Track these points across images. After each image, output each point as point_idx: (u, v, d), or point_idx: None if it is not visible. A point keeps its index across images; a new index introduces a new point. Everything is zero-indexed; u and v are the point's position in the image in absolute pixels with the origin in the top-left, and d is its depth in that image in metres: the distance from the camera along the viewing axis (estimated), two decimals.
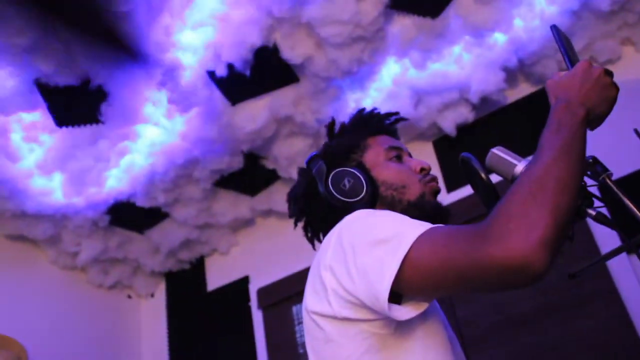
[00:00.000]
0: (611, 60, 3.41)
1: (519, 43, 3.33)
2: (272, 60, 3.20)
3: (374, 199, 1.42)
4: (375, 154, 1.50)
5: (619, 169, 2.81)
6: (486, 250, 0.98)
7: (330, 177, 1.43)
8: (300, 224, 1.57)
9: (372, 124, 1.59)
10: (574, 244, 1.34)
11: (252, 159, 3.82)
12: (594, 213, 1.26)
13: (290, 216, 1.59)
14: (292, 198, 1.59)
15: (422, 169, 1.48)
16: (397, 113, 1.66)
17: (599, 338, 2.90)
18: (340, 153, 1.51)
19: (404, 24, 3.20)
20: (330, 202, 1.42)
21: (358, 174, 1.43)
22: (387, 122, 1.62)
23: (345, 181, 1.42)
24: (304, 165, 1.59)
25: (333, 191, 1.41)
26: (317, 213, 1.50)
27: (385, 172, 1.46)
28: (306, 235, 1.56)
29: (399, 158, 1.50)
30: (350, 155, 1.51)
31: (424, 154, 3.77)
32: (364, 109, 1.65)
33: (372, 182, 1.43)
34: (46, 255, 4.06)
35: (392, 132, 1.62)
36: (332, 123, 1.66)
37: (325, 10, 2.93)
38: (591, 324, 2.94)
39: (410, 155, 1.55)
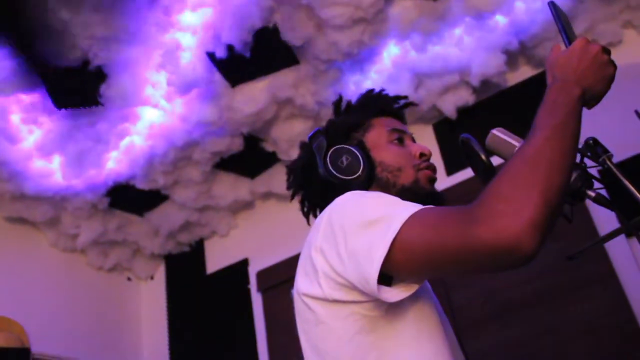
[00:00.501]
0: (612, 43, 3.39)
1: (520, 25, 3.32)
2: (272, 42, 3.18)
3: (370, 179, 1.43)
4: (377, 135, 1.50)
5: (620, 152, 2.80)
6: (475, 231, 0.97)
7: (329, 154, 1.43)
8: (297, 198, 1.58)
9: (379, 104, 1.59)
10: (572, 226, 1.35)
11: (252, 141, 3.81)
12: (593, 194, 1.27)
13: (288, 188, 1.60)
14: (291, 171, 1.60)
15: (422, 154, 1.48)
16: (406, 97, 1.66)
17: (596, 321, 2.90)
18: (342, 130, 1.52)
19: (404, 6, 3.18)
20: (327, 179, 1.42)
21: (357, 152, 1.43)
22: (395, 105, 1.62)
23: (343, 158, 1.42)
24: (301, 147, 1.59)
25: (330, 167, 1.42)
26: (314, 188, 1.51)
27: (384, 153, 1.46)
28: (302, 209, 1.57)
29: (400, 141, 1.50)
30: (352, 133, 1.51)
31: (424, 137, 3.76)
32: (373, 90, 1.65)
33: (369, 161, 1.43)
34: (46, 237, 4.06)
35: (399, 116, 1.61)
36: (340, 100, 1.66)
37: None
38: (589, 307, 2.95)
39: (413, 140, 1.55)
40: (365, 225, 1.12)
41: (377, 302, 1.15)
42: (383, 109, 1.58)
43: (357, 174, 1.40)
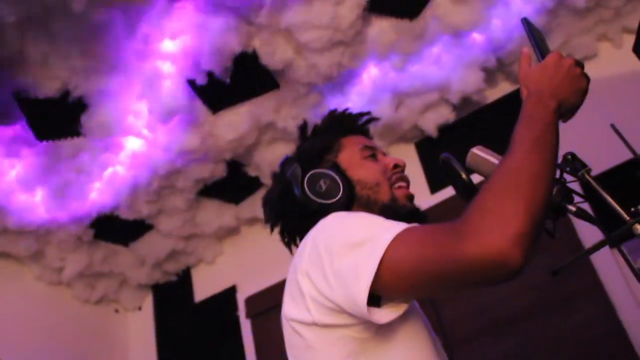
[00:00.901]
0: (588, 56, 3.44)
1: (497, 42, 3.35)
2: (252, 66, 3.19)
3: (351, 200, 1.41)
4: (350, 154, 1.49)
5: (597, 165, 2.83)
6: (462, 247, 0.97)
7: (305, 179, 1.41)
8: (277, 229, 1.56)
9: (345, 124, 1.59)
10: (556, 240, 1.35)
11: (235, 167, 3.81)
12: (574, 209, 1.27)
13: (266, 222, 1.57)
14: (267, 203, 1.57)
15: (395, 166, 1.47)
16: (368, 113, 1.65)
17: (585, 334, 2.91)
18: (314, 154, 1.50)
19: (382, 27, 3.20)
20: (306, 205, 1.40)
21: (334, 174, 1.41)
22: (360, 121, 1.61)
23: (321, 182, 1.40)
24: (273, 177, 1.58)
25: (309, 193, 1.40)
26: (293, 217, 1.48)
27: (360, 171, 1.45)
28: (283, 240, 1.54)
29: (374, 157, 1.50)
30: (325, 156, 1.50)
31: (407, 156, 3.77)
32: (335, 110, 1.64)
33: (348, 182, 1.42)
34: (30, 271, 4.01)
35: (365, 132, 1.61)
36: (305, 125, 1.65)
37: (303, 15, 2.93)
38: (577, 320, 2.95)
39: (384, 154, 1.54)
40: (351, 246, 1.11)
41: (367, 324, 1.14)
42: (350, 128, 1.58)
43: (338, 197, 1.39)
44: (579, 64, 1.25)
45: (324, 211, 1.35)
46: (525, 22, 1.37)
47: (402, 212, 1.40)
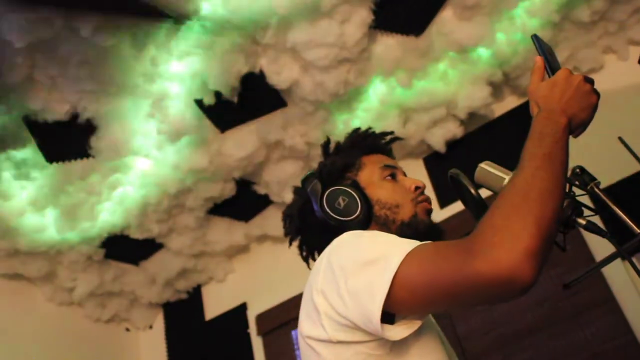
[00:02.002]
0: (594, 69, 3.45)
1: (503, 57, 3.37)
2: (259, 86, 3.22)
3: (369, 218, 1.42)
4: (369, 173, 1.50)
5: (606, 178, 2.82)
6: (473, 264, 0.98)
7: (325, 196, 1.43)
8: (295, 243, 1.58)
9: (367, 142, 1.60)
10: (567, 253, 1.35)
11: (244, 185, 3.82)
12: (584, 222, 1.27)
13: (286, 235, 1.59)
14: (287, 216, 1.59)
15: (416, 188, 1.48)
16: (392, 132, 1.66)
17: (598, 347, 2.89)
18: (335, 172, 1.51)
19: (388, 44, 3.22)
20: (325, 221, 1.42)
21: (353, 192, 1.43)
22: (382, 141, 1.63)
23: (340, 200, 1.42)
24: (299, 186, 1.59)
25: (328, 210, 1.41)
26: (312, 232, 1.50)
27: (380, 191, 1.46)
28: (301, 254, 1.56)
29: (393, 177, 1.50)
30: (345, 174, 1.51)
31: (415, 172, 3.78)
32: (359, 129, 1.65)
33: (366, 201, 1.43)
34: (42, 292, 4.03)
35: (387, 152, 1.62)
36: (327, 142, 1.66)
37: (309, 34, 2.95)
38: (590, 332, 2.94)
39: (404, 174, 1.56)
40: (364, 264, 1.12)
41: (381, 340, 1.15)
42: (372, 147, 1.59)
43: (356, 215, 1.40)
44: (589, 80, 1.25)
45: (342, 228, 1.36)
46: (535, 38, 1.38)
47: (421, 227, 1.41)
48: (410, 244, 1.12)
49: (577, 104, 1.22)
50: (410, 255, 1.08)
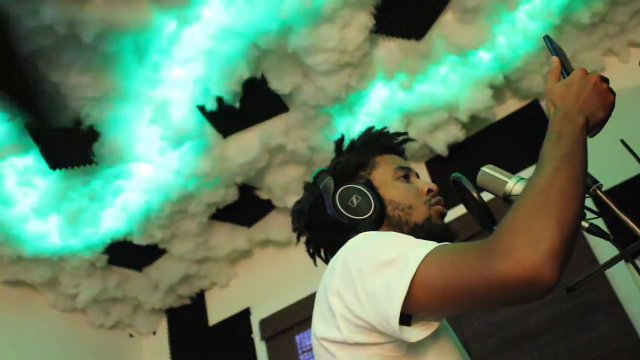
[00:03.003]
0: (595, 71, 3.44)
1: (504, 60, 3.37)
2: (261, 91, 3.23)
3: (381, 218, 1.40)
4: (383, 173, 1.49)
5: (608, 180, 2.82)
6: (495, 266, 0.97)
7: (337, 193, 1.41)
8: (302, 239, 1.56)
9: (382, 142, 1.58)
10: (571, 256, 1.35)
11: (247, 190, 3.83)
12: (587, 225, 1.27)
13: (294, 230, 1.57)
14: (297, 212, 1.57)
15: (429, 190, 1.47)
16: (405, 133, 1.64)
17: (602, 349, 2.89)
18: (349, 170, 1.49)
19: (389, 48, 3.23)
20: (336, 219, 1.40)
21: (366, 191, 1.41)
22: (396, 141, 1.62)
23: (353, 198, 1.40)
24: (305, 187, 1.58)
25: (340, 208, 1.40)
26: (322, 228, 1.48)
27: (393, 191, 1.44)
28: (307, 250, 1.55)
29: (406, 178, 1.49)
30: (359, 172, 1.49)
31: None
32: (373, 127, 1.63)
33: (380, 200, 1.41)
34: (45, 298, 4.03)
35: (400, 152, 1.60)
36: (342, 139, 1.64)
37: (310, 39, 2.96)
38: (594, 335, 2.93)
39: (417, 176, 1.55)
40: (382, 265, 1.11)
41: (398, 342, 1.14)
42: (386, 147, 1.57)
43: (369, 214, 1.38)
44: (605, 79, 1.25)
45: (353, 227, 1.35)
46: (547, 39, 1.38)
47: (434, 230, 1.40)
48: (428, 245, 1.11)
49: (594, 103, 1.21)
50: (429, 256, 1.08)
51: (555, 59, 1.33)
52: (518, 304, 1.03)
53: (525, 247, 0.96)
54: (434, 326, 1.12)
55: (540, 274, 0.94)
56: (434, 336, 1.16)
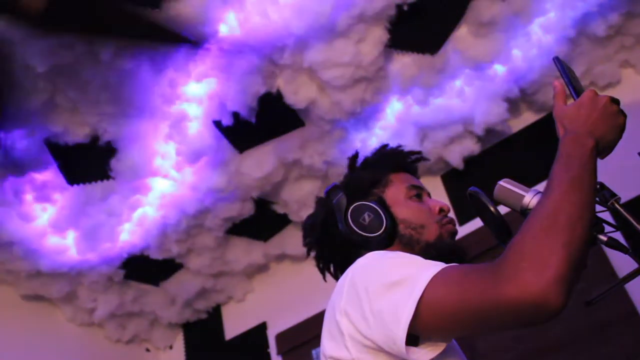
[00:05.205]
0: (611, 83, 3.43)
1: (519, 73, 3.37)
2: (277, 106, 3.24)
3: (392, 237, 1.41)
4: (396, 191, 1.50)
5: (626, 193, 2.80)
6: (501, 289, 0.98)
7: (350, 210, 1.42)
8: (312, 254, 1.57)
9: (396, 160, 1.59)
10: (589, 270, 1.34)
11: (263, 204, 3.84)
12: (605, 239, 1.27)
13: (304, 244, 1.58)
14: (308, 226, 1.58)
15: (441, 210, 1.48)
16: (419, 152, 1.66)
17: None
18: (362, 186, 1.50)
19: (404, 62, 3.24)
20: (347, 235, 1.41)
21: (378, 209, 1.42)
22: (409, 160, 1.63)
23: (365, 215, 1.41)
24: (318, 202, 1.58)
25: (352, 225, 1.40)
26: (332, 244, 1.49)
27: (405, 210, 1.45)
28: (317, 265, 1.55)
29: (419, 197, 1.50)
30: (372, 189, 1.50)
31: (434, 189, 3.76)
32: (387, 145, 1.64)
33: (391, 219, 1.42)
34: (63, 312, 4.05)
35: (413, 171, 1.61)
36: (355, 155, 1.65)
37: (325, 54, 2.97)
38: (613, 350, 2.90)
39: (429, 196, 1.55)
40: (389, 286, 1.12)
41: None
42: (399, 165, 1.58)
43: (380, 232, 1.39)
44: (615, 101, 1.25)
45: (364, 244, 1.36)
46: (557, 60, 1.38)
47: (445, 249, 1.40)
48: (436, 266, 1.12)
49: (604, 125, 1.21)
50: (436, 277, 1.08)
51: (557, 83, 1.33)
52: (524, 327, 1.03)
53: (531, 271, 0.96)
54: (440, 347, 1.12)
55: (546, 298, 0.94)
56: (442, 357, 1.15)
